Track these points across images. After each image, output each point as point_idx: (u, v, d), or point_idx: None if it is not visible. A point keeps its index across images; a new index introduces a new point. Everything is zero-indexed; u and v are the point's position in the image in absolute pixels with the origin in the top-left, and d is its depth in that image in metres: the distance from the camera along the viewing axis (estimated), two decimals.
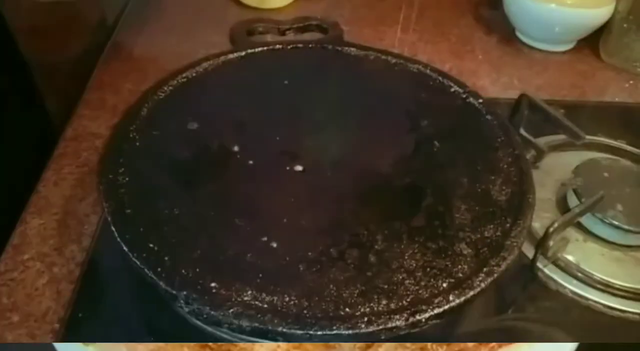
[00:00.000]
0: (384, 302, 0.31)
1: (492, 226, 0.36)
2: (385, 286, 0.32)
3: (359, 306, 0.31)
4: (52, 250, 0.41)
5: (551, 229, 0.39)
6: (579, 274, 0.41)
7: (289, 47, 0.52)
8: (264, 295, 0.31)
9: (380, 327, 0.30)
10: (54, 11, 0.62)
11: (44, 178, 0.47)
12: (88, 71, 0.61)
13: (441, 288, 0.32)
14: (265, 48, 0.51)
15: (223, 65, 0.49)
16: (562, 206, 0.46)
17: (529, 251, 0.42)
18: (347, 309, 0.31)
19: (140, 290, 0.38)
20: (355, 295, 0.32)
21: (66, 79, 0.62)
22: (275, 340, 0.29)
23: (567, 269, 0.42)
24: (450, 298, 0.31)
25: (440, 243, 0.35)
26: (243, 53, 0.50)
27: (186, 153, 0.40)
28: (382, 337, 0.30)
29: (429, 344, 0.29)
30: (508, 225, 0.36)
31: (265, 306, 0.30)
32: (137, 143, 0.40)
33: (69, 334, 0.35)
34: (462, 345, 0.29)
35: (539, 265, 0.41)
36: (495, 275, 0.33)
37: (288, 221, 0.36)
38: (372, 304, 0.31)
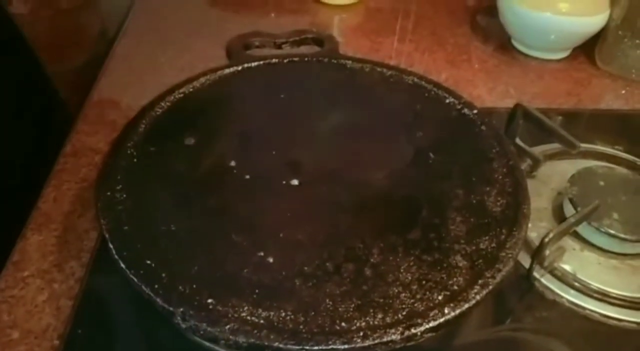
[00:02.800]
0: (380, 316, 0.31)
1: (487, 238, 0.37)
2: (381, 300, 0.32)
3: (355, 321, 0.31)
4: (51, 266, 0.41)
5: (547, 239, 0.39)
6: (576, 283, 0.41)
7: (285, 60, 0.52)
8: (260, 310, 0.31)
9: (376, 341, 0.30)
10: (56, 23, 0.63)
11: (43, 195, 0.47)
12: (88, 84, 0.62)
13: (437, 301, 0.33)
14: (261, 62, 0.51)
15: (220, 80, 0.49)
16: (559, 215, 0.47)
17: (525, 261, 0.42)
18: (343, 323, 0.31)
19: (139, 306, 0.38)
20: (351, 310, 0.32)
21: (68, 91, 0.62)
22: None
23: (563, 279, 0.42)
24: (446, 311, 0.32)
25: (436, 256, 0.35)
26: (240, 67, 0.51)
27: (183, 169, 0.41)
28: None
29: None
30: (503, 236, 0.36)
31: (262, 321, 0.31)
32: (135, 160, 0.41)
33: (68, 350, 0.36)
34: None
35: (536, 274, 0.41)
36: (491, 287, 0.33)
37: (284, 235, 0.36)
38: (367, 318, 0.31)
